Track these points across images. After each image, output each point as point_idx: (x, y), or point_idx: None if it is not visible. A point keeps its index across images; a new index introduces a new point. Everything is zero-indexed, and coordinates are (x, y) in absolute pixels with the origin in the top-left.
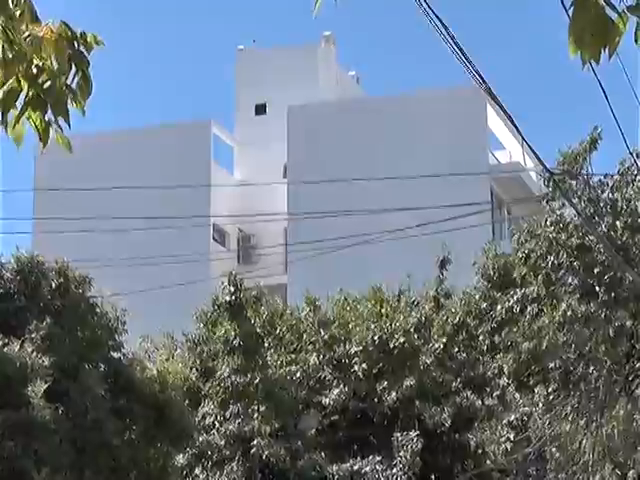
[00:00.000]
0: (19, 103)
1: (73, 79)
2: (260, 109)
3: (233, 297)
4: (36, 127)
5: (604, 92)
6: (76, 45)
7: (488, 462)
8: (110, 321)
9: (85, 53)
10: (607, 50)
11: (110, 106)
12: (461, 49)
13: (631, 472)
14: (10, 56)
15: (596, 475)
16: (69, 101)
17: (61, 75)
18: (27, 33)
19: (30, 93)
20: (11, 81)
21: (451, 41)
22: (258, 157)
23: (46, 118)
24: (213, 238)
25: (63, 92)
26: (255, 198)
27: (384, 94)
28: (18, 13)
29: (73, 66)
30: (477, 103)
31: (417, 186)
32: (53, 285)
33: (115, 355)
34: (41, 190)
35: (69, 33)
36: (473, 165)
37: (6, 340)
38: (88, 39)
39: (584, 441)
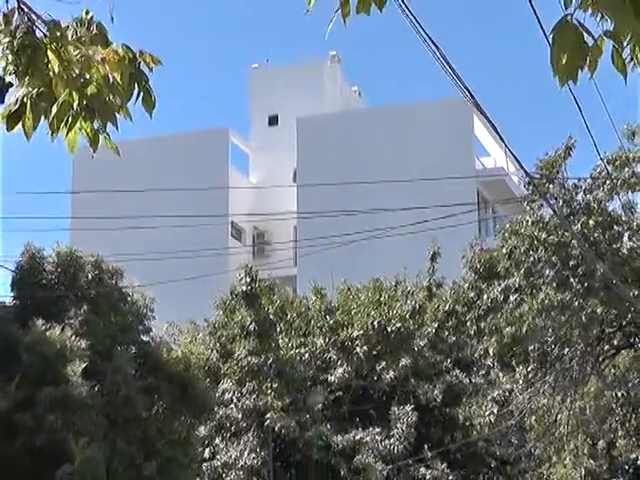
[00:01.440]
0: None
1: (138, 95)
2: (272, 120)
3: (249, 287)
4: (87, 135)
5: (579, 109)
6: (137, 64)
7: (475, 433)
8: (139, 308)
9: (146, 71)
10: (588, 71)
11: (139, 116)
12: (451, 66)
13: (601, 442)
14: (64, 73)
15: (570, 444)
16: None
17: (124, 92)
18: (77, 52)
19: (80, 105)
20: (64, 94)
21: (442, 60)
22: (271, 163)
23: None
24: (231, 235)
25: (110, 103)
26: (268, 199)
27: (383, 106)
28: (90, 37)
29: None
30: (465, 114)
31: (412, 188)
32: (89, 276)
33: (144, 338)
34: (78, 192)
35: (130, 55)
36: (461, 169)
37: (48, 325)
38: (147, 59)
39: (560, 414)
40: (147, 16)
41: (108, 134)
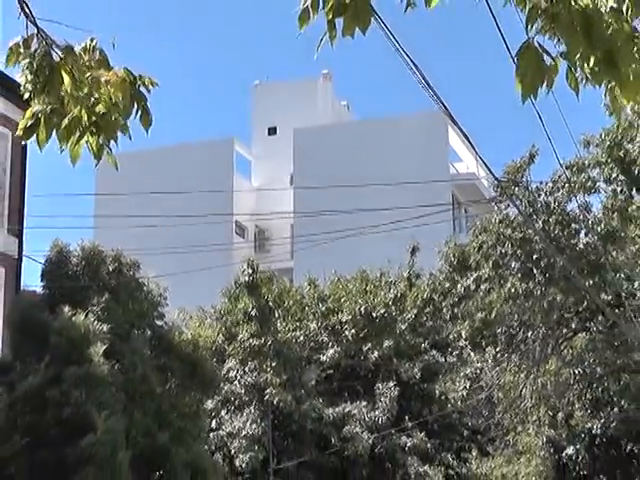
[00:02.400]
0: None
1: (136, 113)
2: (272, 131)
3: (251, 278)
4: (93, 148)
5: (541, 121)
6: (137, 86)
7: (449, 406)
8: (154, 297)
9: (144, 91)
10: (545, 86)
11: (154, 128)
12: (429, 83)
13: (560, 413)
14: (75, 92)
15: (533, 416)
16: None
17: (124, 110)
18: (89, 74)
19: (89, 121)
20: (75, 111)
21: (421, 78)
22: (270, 168)
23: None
24: (235, 232)
25: (114, 121)
26: (268, 200)
27: (368, 119)
28: (93, 61)
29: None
30: (440, 125)
31: (394, 191)
32: (110, 268)
33: (158, 323)
34: (101, 195)
35: (130, 77)
36: (437, 174)
37: (73, 311)
38: (146, 81)
39: (524, 389)
40: (164, 40)
41: (110, 149)
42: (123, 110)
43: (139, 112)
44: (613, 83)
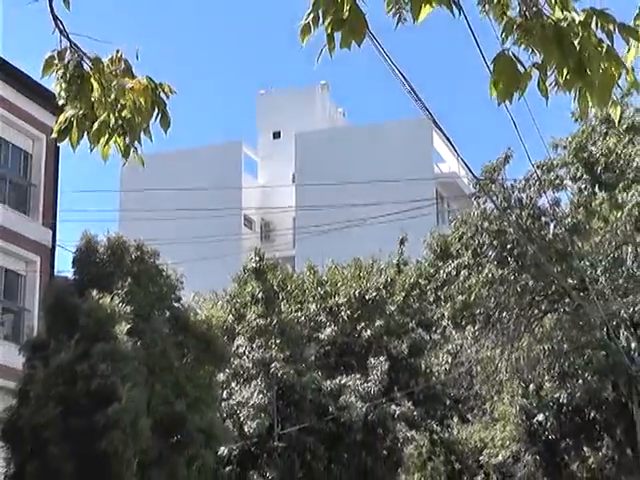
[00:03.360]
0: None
1: (157, 116)
2: (276, 135)
3: (258, 265)
4: (120, 148)
5: (515, 125)
6: (157, 92)
7: (433, 378)
8: (172, 281)
9: (164, 97)
10: (518, 93)
11: (173, 133)
12: (416, 92)
13: (531, 385)
14: (103, 99)
15: (507, 387)
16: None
17: (146, 113)
18: (115, 82)
19: (116, 124)
20: (104, 115)
21: (409, 88)
22: (274, 168)
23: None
24: (244, 224)
25: (138, 124)
26: (272, 196)
27: (361, 124)
28: (120, 70)
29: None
30: (426, 129)
31: (384, 187)
32: (133, 257)
33: (175, 305)
34: (125, 191)
35: (152, 84)
36: (423, 173)
37: (100, 295)
38: (165, 89)
39: (499, 363)
40: (179, 53)
41: (136, 148)
42: (145, 114)
43: (159, 116)
44: (583, 90)
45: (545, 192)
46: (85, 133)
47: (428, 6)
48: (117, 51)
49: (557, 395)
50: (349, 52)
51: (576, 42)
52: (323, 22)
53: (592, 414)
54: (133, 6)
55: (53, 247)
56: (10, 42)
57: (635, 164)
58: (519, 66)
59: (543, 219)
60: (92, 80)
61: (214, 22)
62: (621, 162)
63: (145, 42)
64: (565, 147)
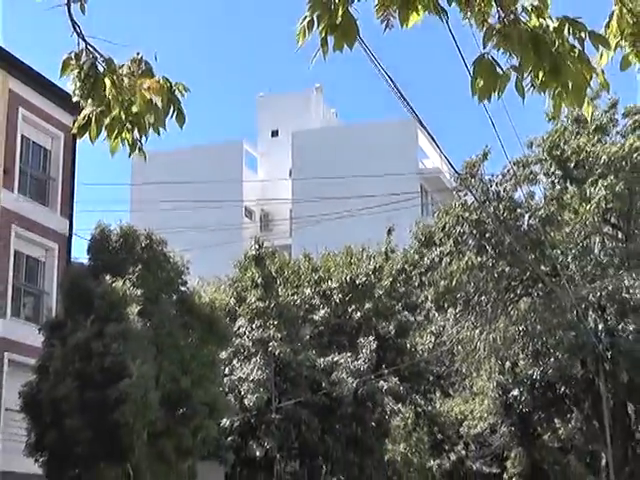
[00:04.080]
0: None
1: (173, 113)
2: (274, 133)
3: (257, 252)
4: (128, 143)
5: (493, 124)
6: (173, 91)
7: (418, 356)
8: (179, 267)
9: (178, 96)
10: (497, 93)
11: (186, 131)
12: (402, 95)
13: (507, 362)
14: (117, 96)
15: (485, 364)
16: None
17: (163, 110)
18: (126, 80)
19: (126, 119)
20: (115, 112)
21: (398, 91)
22: (273, 164)
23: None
24: (244, 215)
25: (146, 120)
26: (271, 189)
27: (353, 124)
28: (141, 70)
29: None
30: (411, 128)
31: (373, 181)
32: (143, 244)
33: (182, 289)
34: (136, 185)
35: (168, 84)
36: (409, 168)
37: (113, 279)
38: (180, 87)
39: (478, 343)
40: (188, 57)
41: (141, 144)
42: (162, 110)
43: (174, 112)
44: (558, 90)
45: (520, 186)
46: (103, 128)
47: (415, 14)
48: (137, 53)
49: (531, 372)
50: (342, 55)
51: (551, 47)
52: (318, 26)
53: (562, 389)
54: (149, 5)
55: (70, 235)
56: (31, 46)
57: (602, 161)
58: (498, 68)
59: (518, 211)
60: (106, 79)
61: (219, 29)
62: (590, 159)
63: (158, 45)
64: (539, 145)
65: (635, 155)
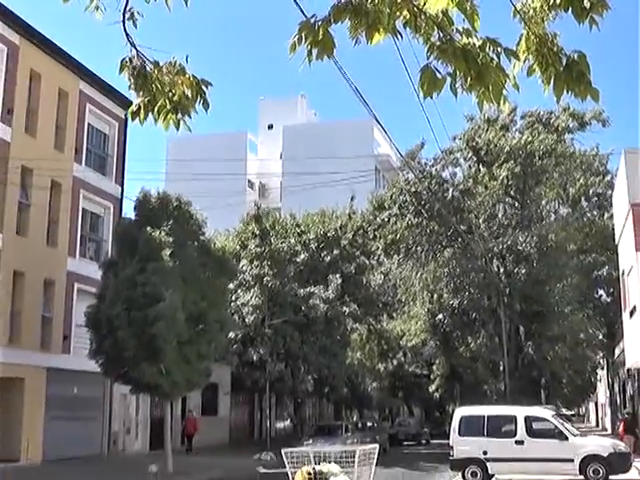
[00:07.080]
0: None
1: (200, 101)
2: (270, 127)
3: (256, 212)
4: (174, 122)
5: (428, 121)
6: (199, 85)
7: (371, 290)
8: (199, 222)
9: (204, 88)
10: (437, 93)
11: (208, 123)
12: (363, 97)
13: (435, 295)
14: (161, 89)
15: (420, 296)
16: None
17: (192, 99)
18: (167, 78)
19: (170, 106)
20: (161, 101)
21: (359, 94)
22: (269, 149)
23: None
24: (247, 185)
25: (186, 106)
26: (267, 167)
27: (327, 122)
28: (177, 69)
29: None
30: (369, 124)
31: (341, 162)
32: (174, 205)
33: (202, 238)
34: (171, 160)
35: (196, 80)
36: (367, 152)
37: (152, 230)
38: (205, 82)
39: (415, 281)
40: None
41: (185, 122)
42: (191, 100)
43: (202, 101)
44: (482, 90)
45: (447, 167)
46: (150, 114)
47: (377, 34)
48: (173, 57)
49: (452, 302)
50: (322, 68)
51: (477, 59)
52: (305, 42)
53: (474, 315)
54: (176, 23)
55: (122, 198)
56: (91, 53)
57: (505, 150)
58: (437, 74)
59: (445, 185)
60: (152, 77)
61: (233, 47)
62: (497, 149)
63: (178, 47)
64: (460, 138)
65: (529, 147)
